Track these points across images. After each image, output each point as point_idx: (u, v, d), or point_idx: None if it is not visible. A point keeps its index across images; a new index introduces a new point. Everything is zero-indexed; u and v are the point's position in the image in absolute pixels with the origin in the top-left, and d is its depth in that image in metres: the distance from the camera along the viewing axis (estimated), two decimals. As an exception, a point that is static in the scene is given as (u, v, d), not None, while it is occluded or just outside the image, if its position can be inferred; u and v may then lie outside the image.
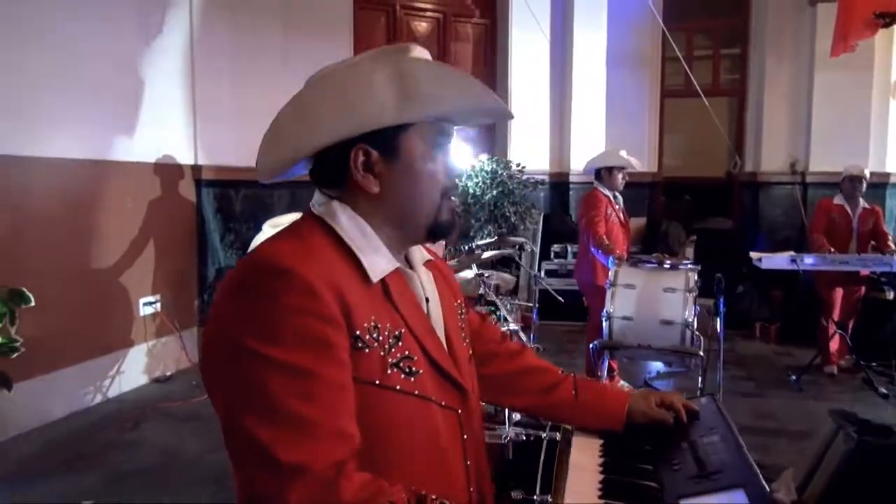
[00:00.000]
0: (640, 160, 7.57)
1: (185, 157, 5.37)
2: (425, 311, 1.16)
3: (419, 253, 1.24)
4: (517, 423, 1.99)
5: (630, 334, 3.91)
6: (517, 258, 3.52)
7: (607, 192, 4.66)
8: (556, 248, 7.03)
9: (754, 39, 7.52)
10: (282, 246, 1.03)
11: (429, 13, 7.06)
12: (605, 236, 4.45)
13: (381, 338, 1.03)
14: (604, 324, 3.96)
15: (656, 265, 4.05)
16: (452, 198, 1.19)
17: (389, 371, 1.03)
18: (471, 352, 1.30)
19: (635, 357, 4.22)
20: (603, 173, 4.70)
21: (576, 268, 4.94)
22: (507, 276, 3.50)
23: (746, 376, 5.32)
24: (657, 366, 5.26)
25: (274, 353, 0.92)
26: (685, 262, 4.06)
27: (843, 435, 0.95)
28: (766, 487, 1.03)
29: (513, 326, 2.32)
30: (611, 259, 4.18)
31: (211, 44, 5.48)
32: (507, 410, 2.41)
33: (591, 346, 4.02)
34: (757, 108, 7.49)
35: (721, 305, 3.94)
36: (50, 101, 4.17)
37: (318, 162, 1.11)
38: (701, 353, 3.79)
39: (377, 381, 1.02)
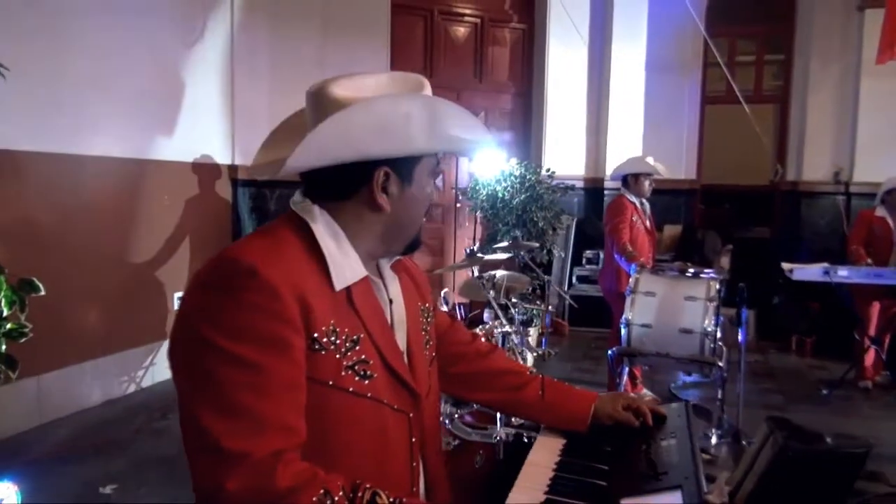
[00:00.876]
0: (678, 167, 7.53)
1: (222, 158, 5.55)
2: (388, 316, 1.22)
3: (387, 257, 1.30)
4: (507, 424, 2.04)
5: (649, 342, 3.89)
6: (527, 262, 3.54)
7: (634, 199, 4.64)
8: (588, 253, 7.01)
9: (799, 45, 7.36)
10: (252, 245, 1.10)
11: (466, 18, 7.13)
12: (629, 243, 4.43)
13: (338, 341, 1.09)
14: (622, 331, 3.95)
15: (678, 273, 4.02)
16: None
17: (344, 373, 1.10)
18: (434, 354, 1.35)
19: (654, 365, 4.20)
20: (630, 180, 4.68)
21: (600, 274, 4.93)
22: (521, 276, 3.51)
23: (776, 389, 5.22)
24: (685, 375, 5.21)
25: (231, 347, 0.99)
26: (708, 271, 4.01)
27: (772, 440, 0.97)
28: (704, 489, 1.06)
29: (507, 329, 2.34)
30: (633, 266, 4.17)
31: (250, 49, 5.66)
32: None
33: (609, 353, 4.01)
34: (800, 115, 7.32)
35: (743, 315, 3.89)
36: (94, 103, 4.37)
37: (326, 171, 1.13)
38: (720, 364, 3.75)
39: (330, 382, 1.08)
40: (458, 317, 2.42)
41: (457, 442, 2.07)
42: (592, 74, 7.42)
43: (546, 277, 3.61)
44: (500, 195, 5.44)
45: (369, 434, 1.13)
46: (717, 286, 3.86)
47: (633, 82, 7.35)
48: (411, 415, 1.20)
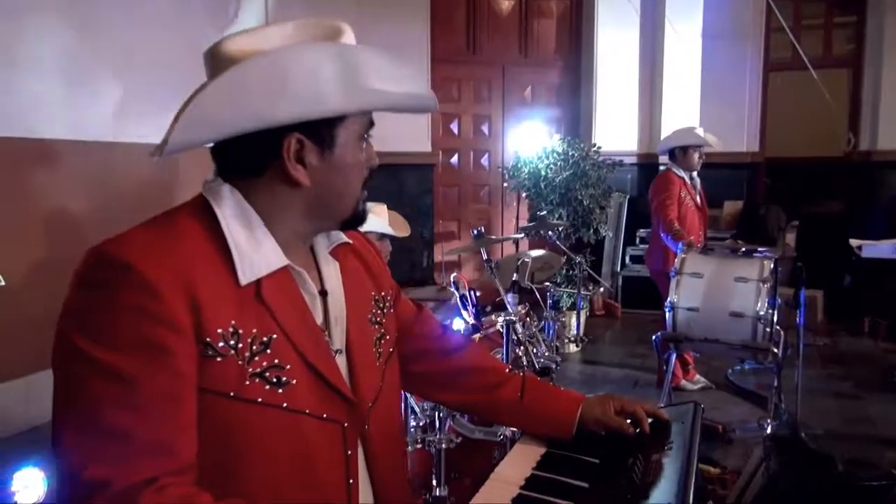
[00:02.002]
0: (738, 139, 7.11)
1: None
2: (317, 311, 1.06)
3: (325, 239, 1.14)
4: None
5: (696, 327, 3.62)
6: (555, 242, 3.31)
7: (682, 174, 4.35)
8: (641, 232, 6.70)
9: (872, 4, 6.79)
10: (137, 235, 0.95)
11: (511, -10, 6.86)
12: (675, 221, 4.15)
13: (240, 345, 0.93)
14: (667, 315, 3.69)
15: (728, 252, 3.73)
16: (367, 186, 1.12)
17: (248, 382, 0.94)
18: (392, 350, 1.19)
19: (702, 351, 3.92)
20: (678, 153, 4.38)
21: (647, 254, 4.66)
22: (554, 258, 3.29)
23: (845, 375, 4.84)
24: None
25: (100, 356, 0.85)
26: (762, 249, 3.70)
27: (763, 467, 0.77)
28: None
29: (511, 317, 2.14)
30: (680, 245, 3.89)
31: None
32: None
33: (653, 338, 3.76)
34: (874, 80, 6.77)
35: (801, 297, 3.57)
36: (126, 90, 4.36)
37: (229, 144, 1.00)
38: (775, 350, 3.45)
39: (232, 394, 0.93)
40: (470, 304, 2.25)
41: (459, 440, 1.91)
42: (645, 44, 7.05)
43: (578, 258, 3.38)
44: (542, 173, 5.20)
45: (287, 449, 0.97)
46: (772, 266, 3.55)
47: (689, 51, 6.94)
48: (346, 424, 1.03)
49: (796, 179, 7.64)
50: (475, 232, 2.54)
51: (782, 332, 3.70)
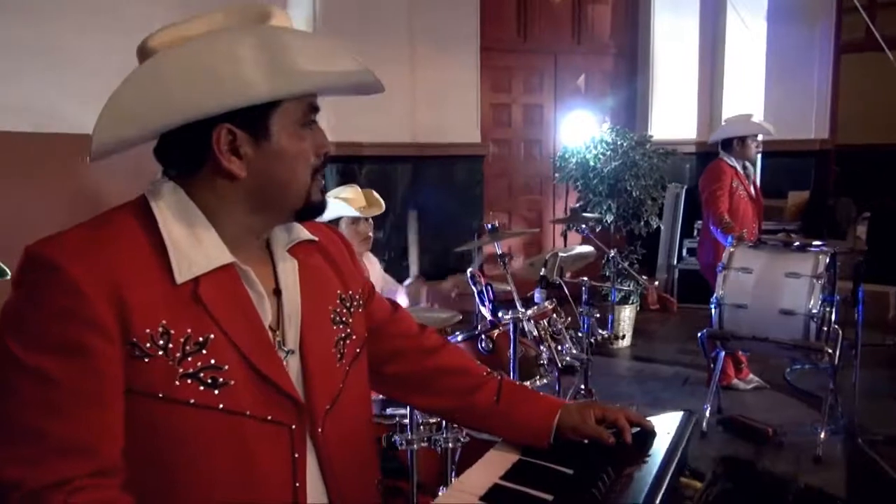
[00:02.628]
0: (806, 126, 6.75)
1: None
2: (264, 310, 1.02)
3: (286, 236, 1.10)
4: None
5: (744, 324, 3.46)
6: (588, 235, 3.19)
7: (734, 163, 4.15)
8: (699, 224, 6.44)
9: (956, -22, 6.32)
10: (70, 234, 0.94)
11: (564, -25, 6.69)
12: (726, 213, 3.96)
13: (170, 345, 0.91)
14: (713, 311, 3.53)
15: (780, 246, 3.53)
16: (322, 175, 1.06)
17: (179, 382, 0.91)
18: (358, 350, 1.14)
19: (750, 350, 3.74)
20: (735, 143, 4.18)
21: (698, 247, 4.48)
22: (588, 251, 3.18)
23: (913, 378, 4.54)
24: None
25: (24, 356, 0.85)
26: (817, 243, 3.49)
27: (705, 494, 0.69)
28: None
29: (520, 314, 2.06)
30: (729, 239, 3.71)
31: (335, 22, 5.58)
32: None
33: (699, 335, 3.61)
34: (958, 60, 6.30)
35: (860, 293, 3.35)
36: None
37: (165, 141, 0.99)
38: (828, 350, 3.26)
39: (161, 394, 0.91)
40: (487, 299, 2.18)
41: (467, 439, 1.86)
42: (705, 28, 6.77)
43: (612, 252, 3.25)
44: (591, 164, 5.05)
45: (226, 451, 0.94)
46: (827, 260, 3.35)
47: (753, 34, 6.63)
48: (294, 426, 1.00)
49: (869, 168, 7.20)
50: (489, 226, 2.47)
51: (839, 331, 3.49)
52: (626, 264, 3.15)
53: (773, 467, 3.20)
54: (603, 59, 6.87)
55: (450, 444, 1.84)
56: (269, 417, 0.97)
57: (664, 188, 5.36)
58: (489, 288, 2.20)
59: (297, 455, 0.99)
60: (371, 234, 2.89)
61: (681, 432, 1.12)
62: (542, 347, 2.37)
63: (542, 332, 2.34)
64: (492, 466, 1.11)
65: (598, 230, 5.42)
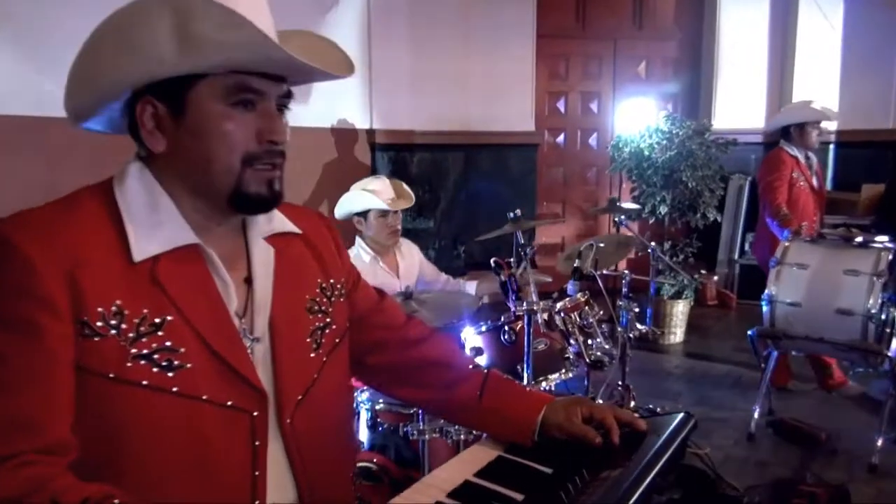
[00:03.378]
0: (885, 115, 6.36)
1: (359, 122, 5.57)
2: (230, 296, 1.00)
3: (266, 224, 1.08)
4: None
5: (798, 323, 3.28)
6: (625, 225, 3.06)
7: (795, 153, 3.94)
8: (762, 218, 6.18)
9: None
10: (31, 213, 0.94)
11: (625, -42, 6.49)
12: (784, 205, 3.77)
13: (123, 325, 0.91)
14: (764, 308, 3.37)
15: (840, 241, 3.33)
16: (268, 166, 1.00)
17: (131, 363, 0.91)
18: (338, 340, 1.12)
19: (804, 350, 3.55)
20: (793, 131, 3.97)
21: (754, 241, 4.28)
22: (625, 238, 3.06)
23: None
24: None
25: None
26: (881, 238, 3.28)
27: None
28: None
29: (535, 305, 1.98)
30: (786, 232, 3.53)
31: (389, 9, 5.58)
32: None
33: (749, 333, 3.45)
34: None
35: (926, 294, 3.13)
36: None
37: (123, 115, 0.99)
38: (888, 353, 3.06)
39: (112, 374, 0.90)
40: (511, 290, 2.13)
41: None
42: (776, 12, 6.45)
43: (652, 245, 3.10)
44: (645, 153, 4.89)
45: (179, 436, 0.93)
46: (890, 257, 3.14)
47: (829, 14, 6.28)
48: (256, 413, 0.98)
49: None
50: (511, 215, 2.40)
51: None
52: (667, 258, 3.02)
53: (824, 474, 3.04)
54: (665, 46, 6.64)
55: (462, 436, 1.81)
56: (230, 403, 0.96)
57: (724, 179, 5.15)
58: (512, 279, 2.15)
59: (257, 443, 0.98)
60: (399, 226, 2.87)
61: (672, 435, 1.05)
62: (571, 341, 2.30)
63: (571, 326, 2.27)
64: (468, 463, 1.08)
65: (651, 222, 5.29)
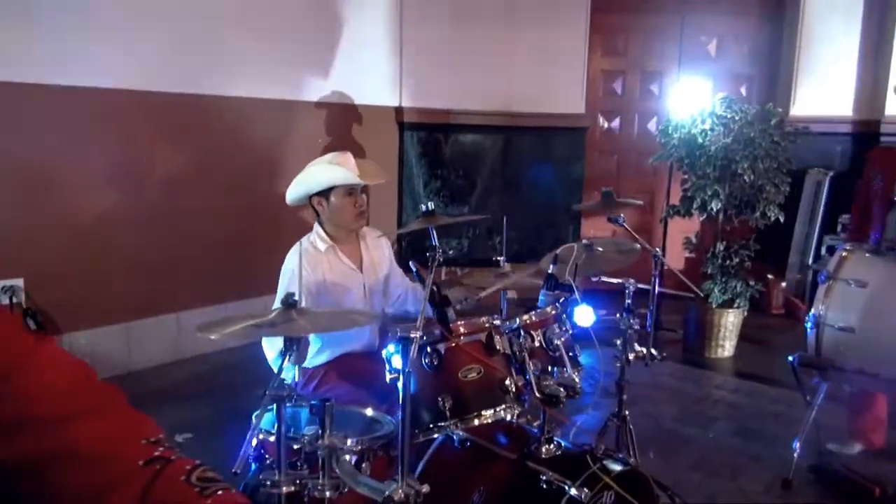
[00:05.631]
0: None
1: (386, 99, 5.19)
2: None
3: None
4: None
5: (850, 353, 2.68)
6: (622, 225, 2.50)
7: None
8: (844, 218, 5.38)
9: None
10: None
11: (699, -77, 5.79)
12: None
13: None
14: (808, 331, 2.78)
15: (911, 255, 2.70)
16: None
17: None
18: None
19: (855, 385, 2.92)
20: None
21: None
22: (625, 242, 2.52)
23: None
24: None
25: None
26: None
27: None
28: None
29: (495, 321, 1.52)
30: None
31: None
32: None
33: (789, 359, 2.86)
34: None
35: None
36: (233, 39, 4.24)
37: None
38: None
39: None
40: (433, 300, 1.68)
41: (345, 489, 1.40)
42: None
43: (656, 250, 2.53)
44: (697, 140, 4.27)
45: None
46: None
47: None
48: None
49: None
50: (425, 209, 1.93)
51: None
52: (663, 262, 2.44)
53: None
54: (741, 22, 5.90)
55: (327, 494, 1.40)
56: None
57: (792, 173, 4.46)
58: (436, 287, 1.71)
59: None
60: (367, 208, 2.47)
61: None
62: (515, 369, 1.84)
63: (520, 350, 1.80)
64: None
65: (701, 219, 4.67)
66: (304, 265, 2.29)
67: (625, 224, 2.58)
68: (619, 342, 2.46)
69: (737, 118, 4.17)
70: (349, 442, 1.63)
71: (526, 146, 5.70)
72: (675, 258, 5.92)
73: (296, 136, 4.66)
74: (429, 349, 1.74)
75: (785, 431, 3.37)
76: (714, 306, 4.40)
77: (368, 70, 5.03)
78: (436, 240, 1.86)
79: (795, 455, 2.93)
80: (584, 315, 2.08)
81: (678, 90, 4.76)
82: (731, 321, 4.46)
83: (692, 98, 4.60)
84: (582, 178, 5.84)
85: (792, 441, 2.97)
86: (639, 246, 2.50)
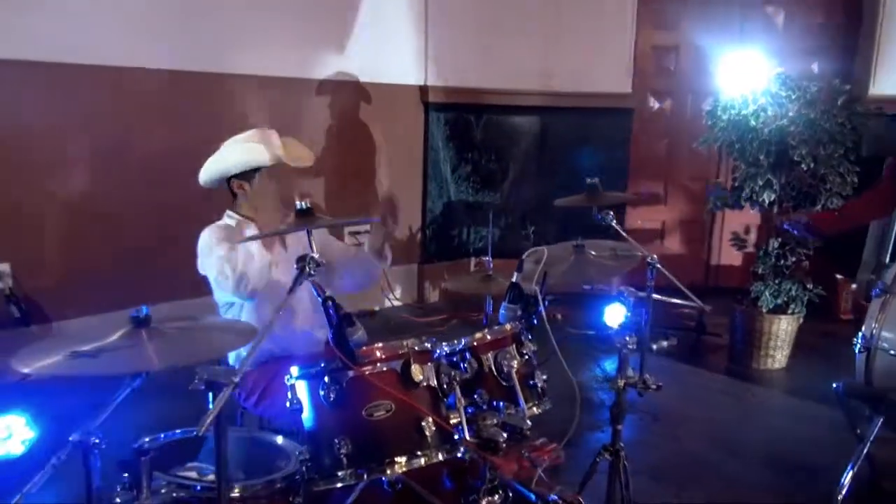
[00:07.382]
0: None
1: (410, 77, 4.84)
2: None
3: None
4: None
5: (907, 383, 2.20)
6: (609, 224, 2.05)
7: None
8: (928, 214, 4.73)
9: None
10: None
11: None
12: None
13: None
14: (857, 354, 2.30)
15: None
16: None
17: None
18: None
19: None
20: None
21: None
22: (622, 246, 2.09)
23: None
24: None
25: None
26: None
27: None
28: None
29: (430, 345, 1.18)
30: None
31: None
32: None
33: (835, 386, 2.40)
34: None
35: None
36: (240, 12, 3.98)
37: None
38: None
39: None
40: (330, 319, 1.34)
41: None
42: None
43: (654, 256, 2.08)
44: (749, 123, 3.74)
45: None
46: None
47: None
48: None
49: None
50: (300, 206, 1.57)
51: None
52: (657, 267, 1.97)
53: None
54: (813, -9, 5.26)
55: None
56: None
57: (862, 160, 3.87)
58: (331, 303, 1.37)
59: None
60: None
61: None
62: (447, 404, 1.49)
63: (448, 379, 1.45)
64: None
65: (752, 211, 4.14)
66: (223, 239, 2.03)
67: (613, 223, 2.16)
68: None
69: (793, 97, 3.62)
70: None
71: (565, 128, 5.25)
72: (727, 255, 5.39)
73: (307, 117, 4.39)
74: (327, 379, 1.40)
75: (833, 464, 2.87)
76: (764, 311, 3.89)
77: (389, 44, 4.69)
78: (313, 247, 1.51)
79: (841, 495, 2.46)
80: (615, 315, 1.73)
81: (737, 67, 4.23)
82: (783, 329, 3.94)
83: (752, 76, 4.05)
84: (627, 164, 5.36)
85: (839, 473, 2.50)
86: (639, 253, 2.07)
